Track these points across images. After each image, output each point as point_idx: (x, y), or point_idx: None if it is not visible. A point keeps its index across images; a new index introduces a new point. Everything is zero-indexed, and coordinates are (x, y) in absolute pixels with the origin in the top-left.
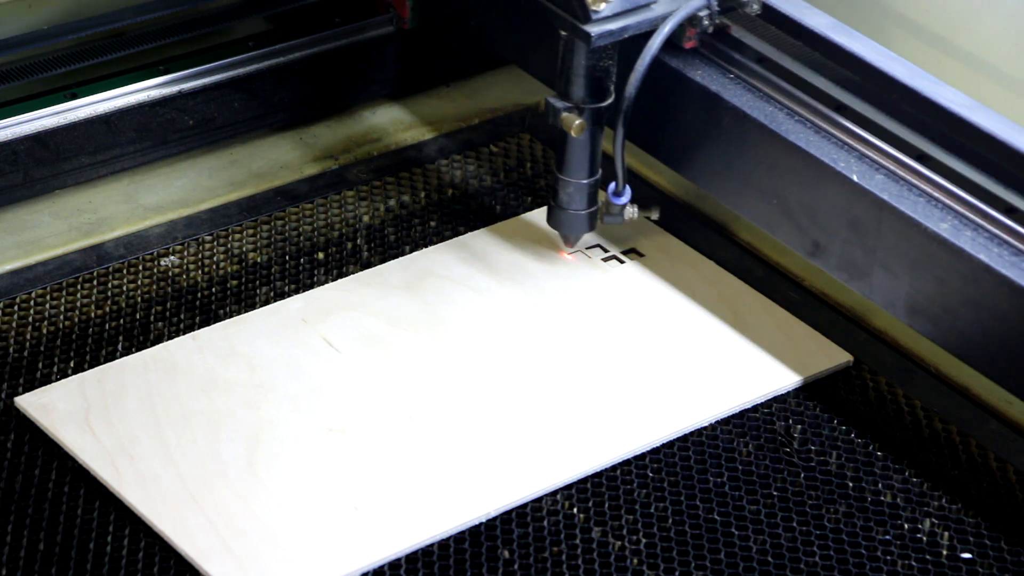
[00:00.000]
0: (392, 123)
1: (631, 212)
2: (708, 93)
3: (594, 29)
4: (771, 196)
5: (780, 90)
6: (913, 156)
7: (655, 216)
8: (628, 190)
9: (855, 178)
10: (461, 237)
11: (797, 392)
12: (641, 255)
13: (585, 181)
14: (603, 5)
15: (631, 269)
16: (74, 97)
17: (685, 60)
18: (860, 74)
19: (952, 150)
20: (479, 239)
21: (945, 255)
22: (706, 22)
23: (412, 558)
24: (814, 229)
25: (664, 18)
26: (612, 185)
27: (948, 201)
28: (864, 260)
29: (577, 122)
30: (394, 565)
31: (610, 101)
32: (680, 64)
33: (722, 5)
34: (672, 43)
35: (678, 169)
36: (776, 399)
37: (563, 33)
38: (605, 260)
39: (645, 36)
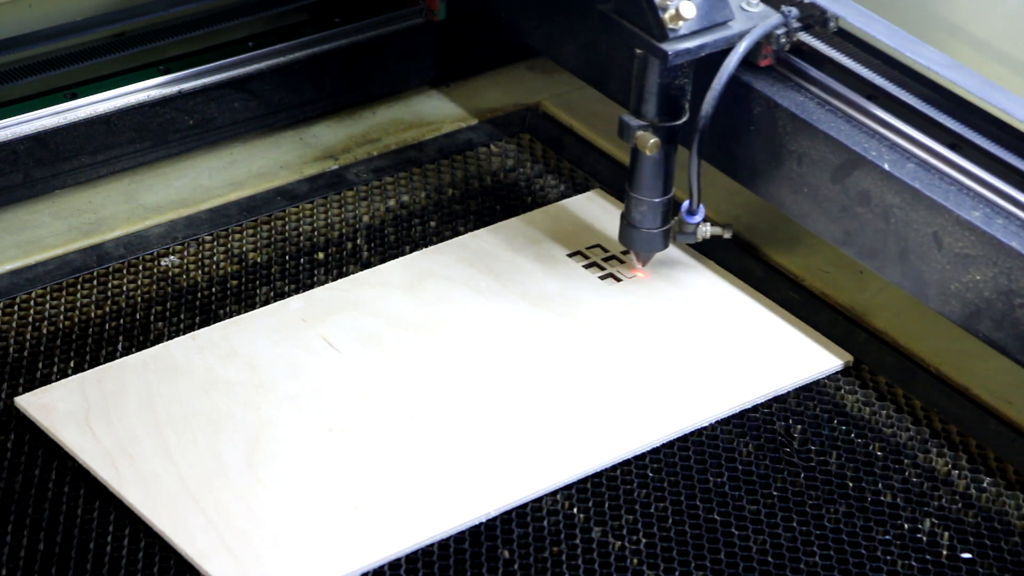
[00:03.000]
0: (392, 123)
1: (704, 231)
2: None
3: (671, 47)
4: (803, 186)
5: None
6: (946, 144)
7: (728, 235)
8: (702, 209)
9: (886, 166)
10: (461, 237)
11: (797, 392)
12: None
13: (658, 200)
14: (681, 23)
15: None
16: (74, 97)
17: (761, 78)
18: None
19: (985, 137)
20: (479, 239)
21: (977, 243)
22: (783, 40)
23: (412, 558)
24: (845, 218)
25: (741, 36)
26: (686, 203)
27: (980, 189)
28: (894, 248)
29: (652, 140)
30: (394, 565)
31: (685, 119)
32: (756, 82)
33: (799, 23)
34: (747, 61)
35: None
36: (776, 399)
37: (638, 51)
38: (606, 260)
39: (720, 54)
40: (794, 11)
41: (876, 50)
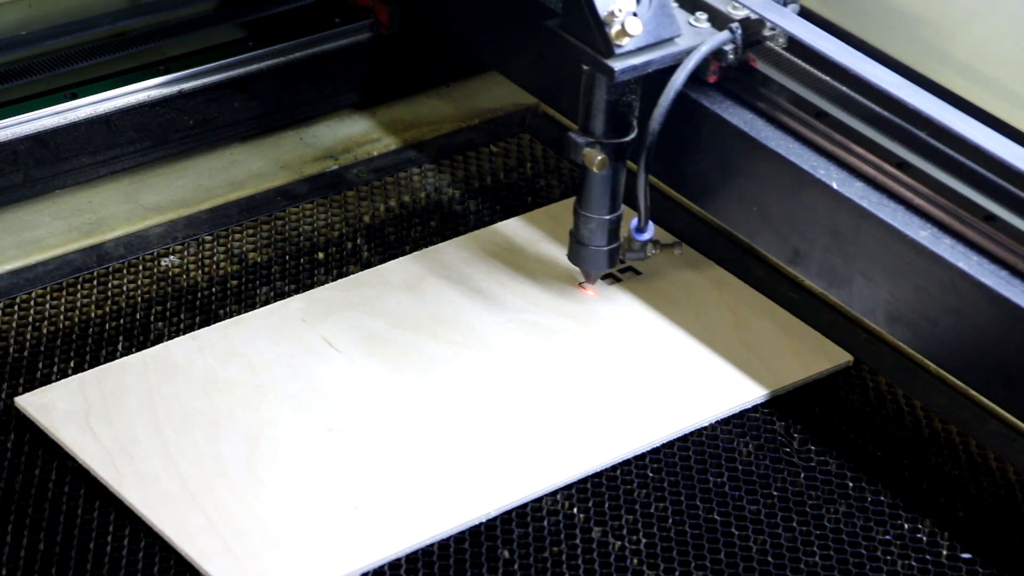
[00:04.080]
0: (392, 123)
1: (653, 249)
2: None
3: (617, 64)
4: (752, 204)
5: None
6: (893, 164)
7: (678, 252)
8: (651, 226)
9: (835, 185)
10: (461, 237)
11: (797, 392)
12: None
13: (607, 217)
14: (627, 39)
15: (631, 269)
16: (74, 97)
17: (708, 95)
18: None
19: (931, 157)
20: (479, 239)
21: (924, 263)
22: (731, 56)
23: (412, 558)
24: (794, 236)
25: (688, 52)
26: (634, 221)
27: (928, 208)
28: (844, 268)
29: (599, 158)
30: (394, 565)
31: (633, 136)
32: (703, 98)
33: (747, 39)
34: (695, 77)
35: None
36: (776, 399)
37: (585, 67)
38: None
39: (668, 70)
40: (741, 28)
41: (830, 66)
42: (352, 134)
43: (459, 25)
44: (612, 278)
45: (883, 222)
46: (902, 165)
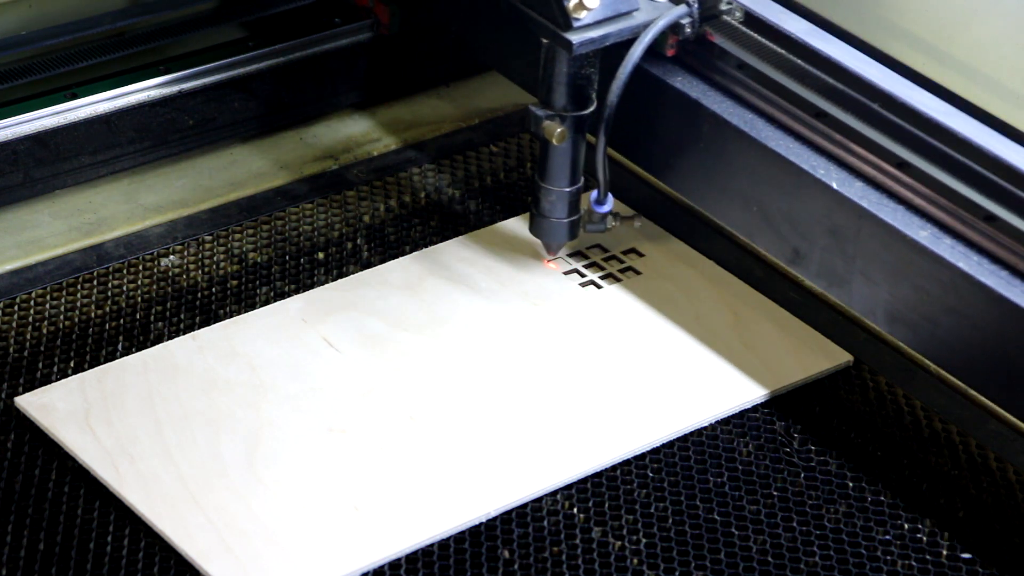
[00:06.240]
0: (392, 123)
1: (613, 221)
2: (689, 101)
3: (575, 37)
4: (751, 203)
5: (761, 97)
6: (893, 164)
7: (638, 224)
8: (610, 198)
9: (834, 185)
10: (461, 237)
11: (797, 392)
12: (641, 255)
13: (567, 189)
14: (584, 13)
15: (631, 269)
16: (74, 97)
17: (666, 68)
18: (840, 80)
19: (931, 157)
20: (479, 239)
21: (924, 263)
22: (688, 30)
23: (412, 558)
24: (794, 236)
25: (646, 26)
26: (594, 193)
27: (928, 209)
28: (844, 268)
29: (558, 130)
30: (394, 565)
31: (592, 109)
32: (661, 72)
33: (704, 13)
34: (654, 51)
35: (660, 177)
36: (776, 399)
37: (544, 41)
38: (606, 260)
39: (627, 44)
40: (698, 2)
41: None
42: (352, 134)
43: (459, 25)
44: (612, 278)
45: (883, 222)
46: (902, 165)
